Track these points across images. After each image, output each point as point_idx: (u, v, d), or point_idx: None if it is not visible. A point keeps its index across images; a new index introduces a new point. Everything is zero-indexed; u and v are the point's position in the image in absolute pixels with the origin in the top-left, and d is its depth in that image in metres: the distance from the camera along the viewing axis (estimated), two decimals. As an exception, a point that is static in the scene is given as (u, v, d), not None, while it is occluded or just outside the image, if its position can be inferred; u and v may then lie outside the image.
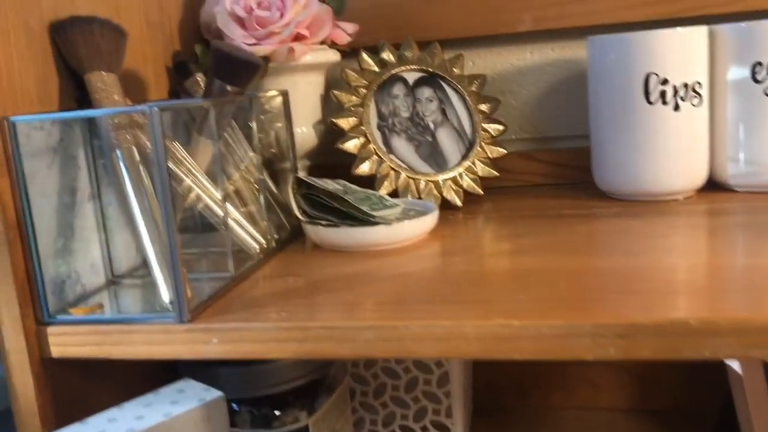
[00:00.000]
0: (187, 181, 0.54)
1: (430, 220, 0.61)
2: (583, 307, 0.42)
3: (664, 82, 0.65)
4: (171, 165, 0.53)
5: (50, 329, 0.47)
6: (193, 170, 0.55)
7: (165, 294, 0.47)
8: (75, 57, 0.49)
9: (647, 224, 0.60)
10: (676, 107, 0.65)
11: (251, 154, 0.62)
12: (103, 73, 0.50)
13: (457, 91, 0.76)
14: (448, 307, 0.44)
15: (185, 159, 0.55)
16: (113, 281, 0.54)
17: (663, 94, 0.65)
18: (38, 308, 0.47)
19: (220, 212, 0.55)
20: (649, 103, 0.65)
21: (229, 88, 0.55)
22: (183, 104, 0.52)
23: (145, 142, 0.51)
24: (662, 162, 0.66)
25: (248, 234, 0.58)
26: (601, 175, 0.71)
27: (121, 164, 0.48)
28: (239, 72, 0.55)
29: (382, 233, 0.58)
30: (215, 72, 0.55)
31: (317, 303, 0.47)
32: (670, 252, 0.53)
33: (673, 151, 0.66)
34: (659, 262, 0.50)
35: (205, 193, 0.55)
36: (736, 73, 0.66)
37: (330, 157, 0.72)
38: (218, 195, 0.55)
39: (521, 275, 0.49)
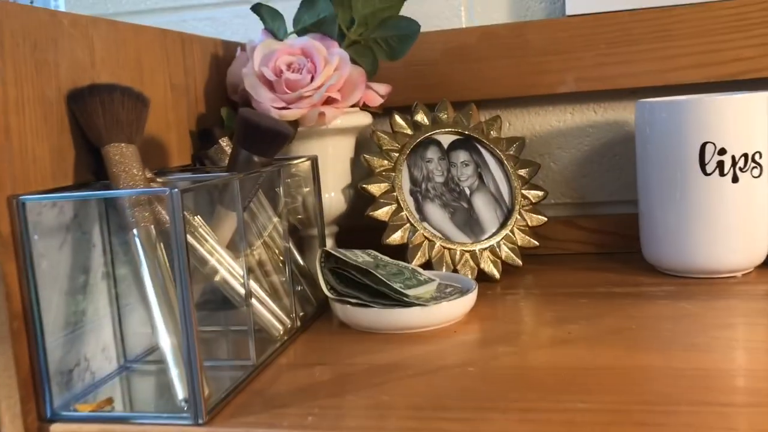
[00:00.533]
0: (207, 256, 0.50)
1: (469, 301, 0.56)
2: (654, 422, 0.37)
3: (722, 152, 0.60)
4: (191, 240, 0.49)
5: (54, 427, 0.42)
6: (214, 244, 0.51)
7: (180, 390, 0.42)
8: (93, 128, 0.46)
9: (706, 309, 0.55)
10: (735, 179, 0.60)
11: (276, 220, 0.59)
12: (123, 145, 0.46)
13: (494, 154, 0.72)
14: (497, 417, 0.39)
15: (206, 232, 0.51)
16: (126, 366, 0.50)
17: (720, 164, 0.60)
18: (42, 404, 0.42)
19: (242, 291, 0.51)
20: (705, 174, 0.61)
21: (255, 158, 0.51)
22: (207, 181, 0.48)
23: (165, 217, 0.48)
24: (719, 237, 0.61)
25: (271, 313, 0.53)
26: (651, 248, 0.66)
27: (138, 245, 0.44)
28: (267, 142, 0.51)
29: (416, 315, 0.54)
30: (241, 142, 0.51)
31: (347, 404, 0.42)
32: (738, 348, 0.47)
33: (730, 225, 0.61)
34: (728, 361, 0.45)
35: (227, 270, 0.51)
36: (800, 142, 0.61)
37: (360, 222, 0.67)
38: (241, 272, 0.51)
39: (575, 374, 0.44)
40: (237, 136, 0.52)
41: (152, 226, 0.45)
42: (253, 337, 0.48)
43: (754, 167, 0.61)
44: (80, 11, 0.87)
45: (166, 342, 0.43)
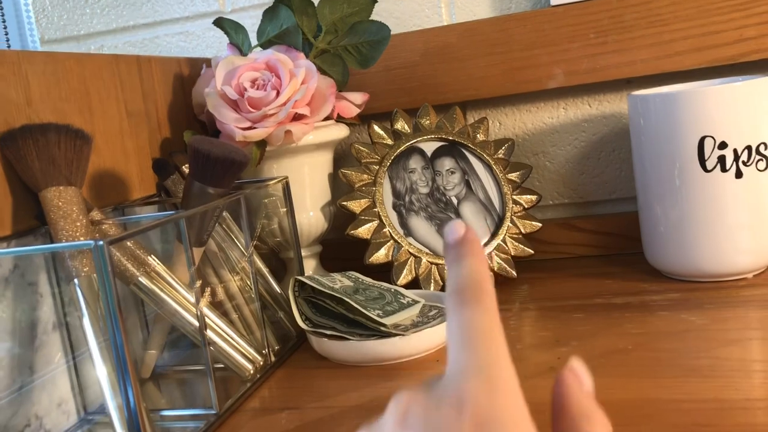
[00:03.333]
0: (164, 296, 0.47)
1: (452, 325, 0.52)
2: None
3: (723, 145, 0.55)
4: (144, 281, 0.46)
5: (0, 497, 0.40)
6: (173, 283, 0.48)
7: (128, 453, 0.39)
8: (28, 172, 0.43)
9: (713, 320, 0.50)
10: (738, 174, 0.56)
11: (242, 248, 0.55)
12: (61, 188, 0.43)
13: (481, 159, 0.68)
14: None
15: (163, 270, 0.48)
16: (87, 419, 0.47)
17: (722, 159, 0.55)
18: (-15, 474, 0.40)
19: (203, 332, 0.48)
20: (706, 170, 0.56)
21: (210, 190, 0.48)
22: (143, 228, 0.44)
23: (119, 259, 0.45)
24: (724, 237, 0.57)
25: (240, 352, 0.50)
26: (653, 251, 0.61)
27: (80, 295, 0.41)
28: (220, 172, 0.48)
29: (394, 346, 0.50)
30: (194, 173, 0.48)
31: (309, 460, 0.39)
32: (751, 369, 0.43)
33: (737, 224, 0.56)
34: (740, 388, 0.40)
35: (186, 309, 0.48)
36: (809, 130, 0.56)
37: (345, 237, 0.64)
38: (202, 309, 0.48)
39: (559, 412, 0.40)
40: (189, 167, 0.49)
41: (94, 275, 0.42)
42: (213, 382, 0.45)
43: (759, 160, 0.56)
44: (52, 34, 0.84)
45: (110, 400, 0.40)
